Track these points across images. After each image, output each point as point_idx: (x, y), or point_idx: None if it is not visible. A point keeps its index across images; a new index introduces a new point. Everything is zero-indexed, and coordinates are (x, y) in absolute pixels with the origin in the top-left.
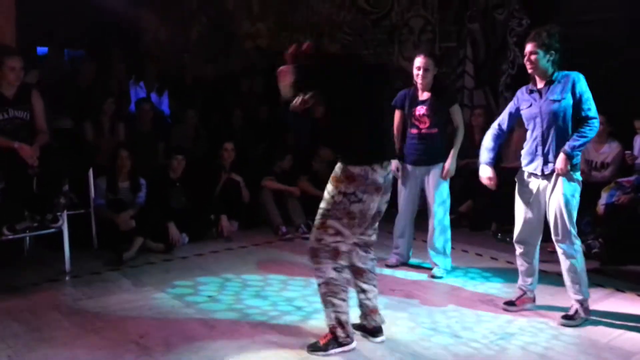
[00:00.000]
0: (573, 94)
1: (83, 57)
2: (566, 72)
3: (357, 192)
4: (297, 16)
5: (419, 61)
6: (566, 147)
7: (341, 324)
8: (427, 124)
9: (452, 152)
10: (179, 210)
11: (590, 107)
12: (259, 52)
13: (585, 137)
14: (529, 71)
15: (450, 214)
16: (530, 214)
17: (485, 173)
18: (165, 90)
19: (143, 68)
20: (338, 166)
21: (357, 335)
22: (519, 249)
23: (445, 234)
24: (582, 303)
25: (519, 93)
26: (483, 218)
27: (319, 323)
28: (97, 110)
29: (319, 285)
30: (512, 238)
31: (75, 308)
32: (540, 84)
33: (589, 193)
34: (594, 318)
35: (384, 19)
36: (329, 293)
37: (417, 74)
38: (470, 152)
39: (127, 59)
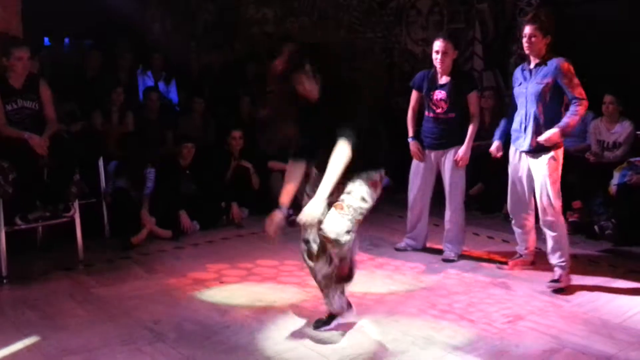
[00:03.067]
0: (554, 79)
1: (89, 47)
2: (555, 57)
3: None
4: (303, 0)
5: (437, 45)
6: (561, 123)
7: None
8: (444, 109)
9: (466, 139)
10: (190, 197)
11: (574, 90)
12: (265, 37)
13: (575, 115)
14: (526, 51)
15: None
16: (517, 188)
17: (493, 146)
18: (172, 79)
19: (150, 57)
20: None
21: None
22: (512, 221)
23: (460, 220)
24: (564, 269)
25: (515, 71)
26: (494, 201)
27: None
28: (105, 99)
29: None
30: None
31: (89, 296)
32: (532, 65)
33: (601, 173)
34: (606, 299)
35: (391, 1)
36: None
37: (436, 58)
38: (480, 134)
39: (134, 49)
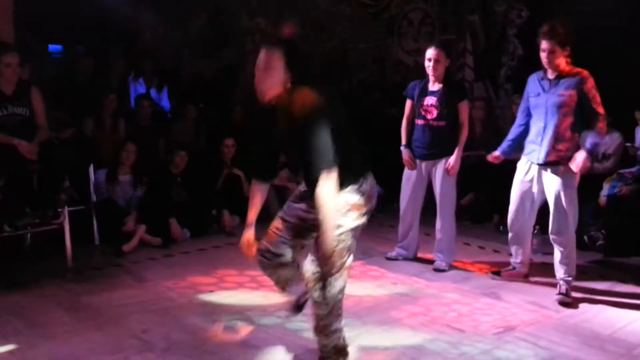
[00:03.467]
0: (579, 92)
1: (82, 53)
2: (578, 69)
3: (367, 208)
4: (296, 10)
5: (430, 53)
6: (587, 145)
7: (344, 352)
8: (435, 115)
9: (457, 148)
10: (181, 205)
11: (597, 106)
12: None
13: (599, 133)
14: (545, 66)
15: None
16: (525, 202)
17: (493, 155)
18: (164, 86)
19: (142, 64)
20: (351, 190)
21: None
22: (509, 234)
23: (451, 230)
24: (570, 283)
25: (530, 79)
26: (485, 211)
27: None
28: (97, 106)
29: (327, 316)
30: None
31: (77, 304)
32: (551, 75)
33: (591, 184)
34: (597, 310)
35: (384, 12)
36: (335, 319)
37: (428, 65)
38: (471, 145)
39: (127, 56)
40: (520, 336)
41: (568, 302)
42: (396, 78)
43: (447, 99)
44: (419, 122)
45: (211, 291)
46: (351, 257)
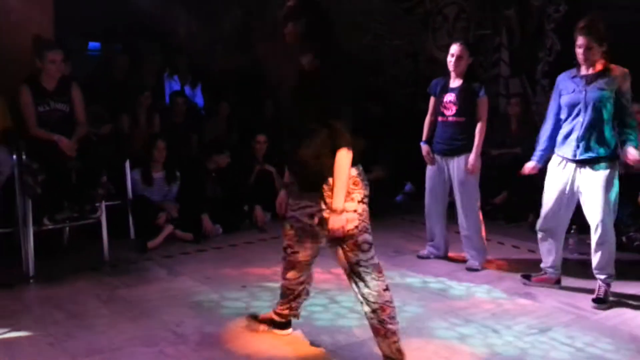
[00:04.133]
0: (615, 89)
1: (119, 51)
2: (617, 66)
3: (365, 192)
4: (329, 4)
5: (453, 49)
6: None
7: (402, 353)
8: (454, 111)
9: (474, 146)
10: (214, 200)
11: (630, 105)
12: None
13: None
14: (581, 62)
15: (485, 205)
16: (558, 202)
17: (529, 166)
18: (198, 83)
19: (176, 61)
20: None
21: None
22: (540, 234)
23: (476, 227)
24: (608, 284)
25: (560, 79)
26: (519, 210)
27: (349, 322)
28: (133, 103)
29: (375, 312)
30: None
31: (114, 296)
32: (586, 72)
33: (629, 184)
34: (635, 312)
35: (417, 7)
36: (388, 320)
37: (450, 61)
38: (506, 142)
39: (161, 52)
40: (555, 337)
41: (606, 304)
42: (429, 73)
43: (466, 95)
44: (440, 118)
45: (244, 286)
46: (373, 251)
